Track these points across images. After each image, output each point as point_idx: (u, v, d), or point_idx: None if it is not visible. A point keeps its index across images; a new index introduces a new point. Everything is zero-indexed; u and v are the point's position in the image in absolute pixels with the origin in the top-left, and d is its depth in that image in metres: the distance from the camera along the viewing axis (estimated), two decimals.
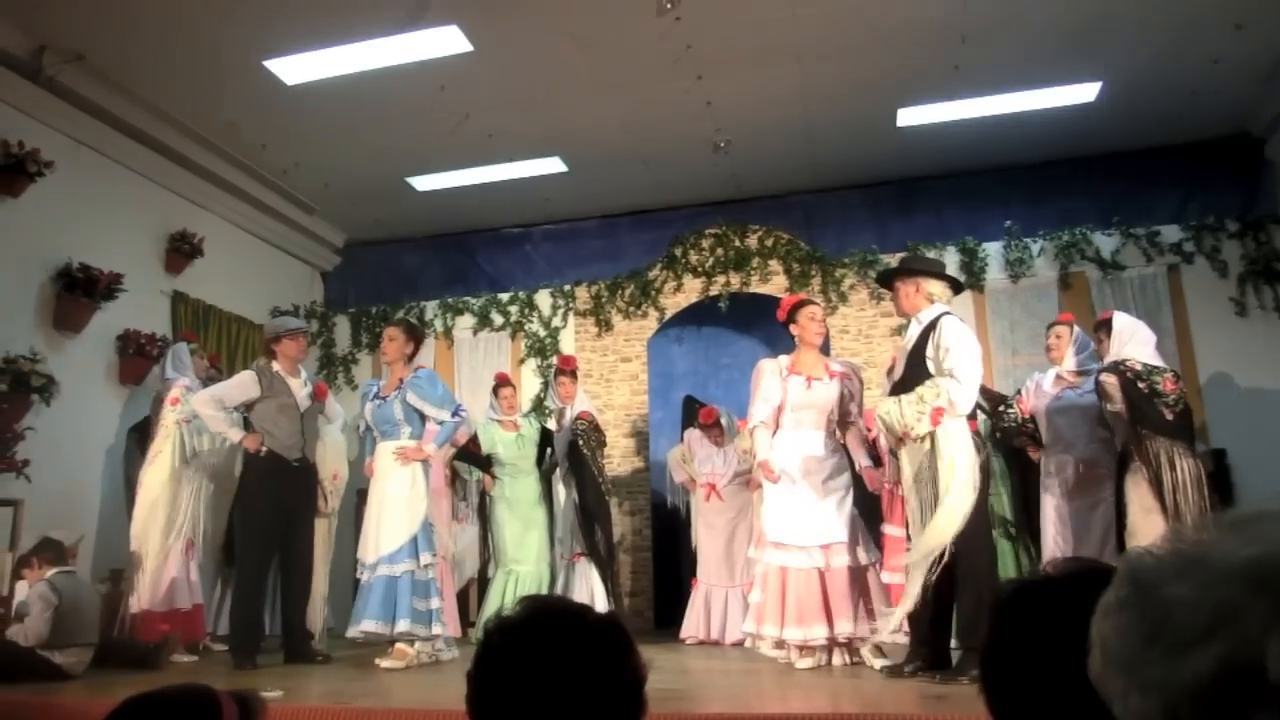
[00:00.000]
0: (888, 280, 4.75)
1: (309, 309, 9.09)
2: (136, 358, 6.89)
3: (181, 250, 7.46)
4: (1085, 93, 6.84)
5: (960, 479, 4.14)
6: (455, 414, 5.61)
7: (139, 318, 6.97)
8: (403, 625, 5.14)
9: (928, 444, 4.25)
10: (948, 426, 4.22)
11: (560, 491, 6.64)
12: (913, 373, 4.42)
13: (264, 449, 5.48)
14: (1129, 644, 0.74)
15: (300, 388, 5.74)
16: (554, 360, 7.74)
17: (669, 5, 5.68)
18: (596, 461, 6.47)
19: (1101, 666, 0.77)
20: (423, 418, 5.54)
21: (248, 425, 5.60)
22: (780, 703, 3.78)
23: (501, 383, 7.08)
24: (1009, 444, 5.73)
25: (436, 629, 5.28)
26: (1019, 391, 5.78)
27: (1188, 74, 6.63)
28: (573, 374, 6.72)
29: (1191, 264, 7.45)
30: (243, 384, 5.60)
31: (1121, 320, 5.18)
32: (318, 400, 5.91)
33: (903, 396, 4.36)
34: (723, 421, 6.95)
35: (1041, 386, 5.60)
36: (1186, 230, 7.49)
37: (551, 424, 6.98)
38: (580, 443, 6.39)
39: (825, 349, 5.65)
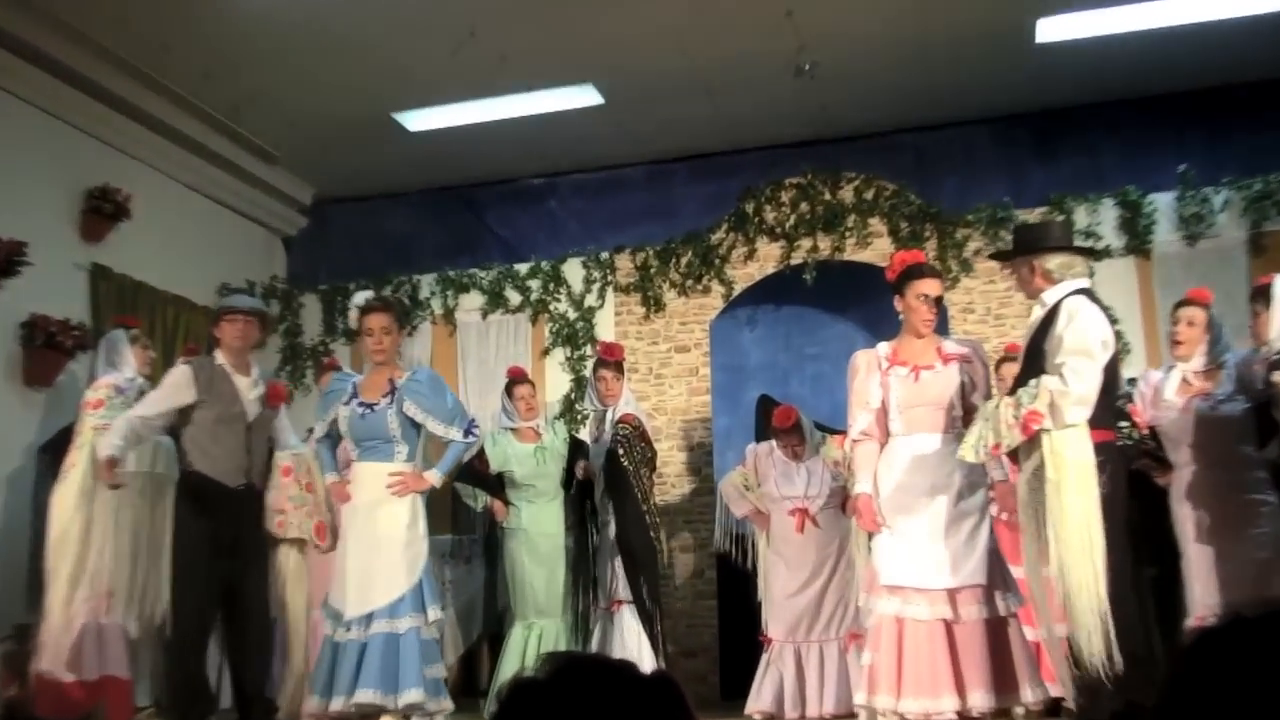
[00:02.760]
0: (1006, 260, 4.92)
1: (267, 285, 9.15)
2: (46, 351, 6.83)
3: (102, 211, 7.44)
4: None
5: (1072, 512, 4.16)
6: (468, 433, 5.67)
7: (48, 299, 6.93)
8: (412, 696, 5.18)
9: (1036, 460, 4.29)
10: (1058, 440, 4.23)
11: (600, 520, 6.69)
12: (1027, 373, 4.51)
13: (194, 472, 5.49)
14: None
15: (249, 389, 5.70)
16: (593, 349, 7.97)
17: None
18: (641, 480, 6.47)
19: None
20: (419, 433, 5.58)
21: (180, 450, 5.56)
22: None
23: (516, 379, 7.06)
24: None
25: (446, 702, 5.36)
26: (1130, 397, 5.65)
27: None
28: (618, 366, 6.80)
29: None
30: (175, 386, 5.53)
31: None
32: (271, 406, 5.86)
33: (1002, 399, 4.45)
34: (804, 424, 6.82)
35: (1162, 394, 5.56)
36: None
37: (586, 433, 7.05)
38: (621, 453, 6.38)
39: (943, 332, 5.63)
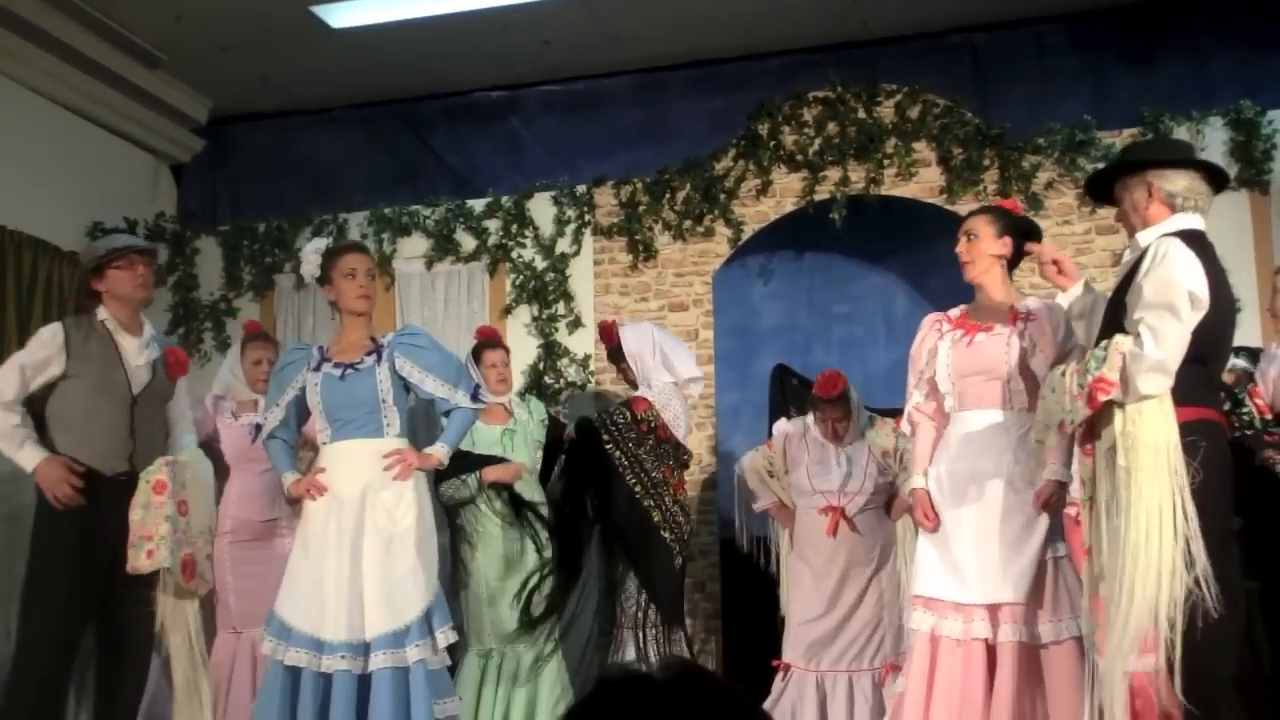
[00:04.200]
0: (1105, 187, 4.59)
1: (152, 225, 8.96)
2: None
3: None
4: None
5: (1150, 503, 3.95)
6: (475, 397, 5.41)
7: None
8: None
9: (1109, 443, 4.12)
10: (1131, 416, 4.04)
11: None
12: (1107, 333, 4.33)
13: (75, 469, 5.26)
14: None
15: (138, 353, 5.51)
16: (566, 307, 8.08)
17: None
18: (639, 466, 6.30)
19: None
20: (408, 400, 5.40)
21: (41, 427, 5.34)
22: None
23: (487, 342, 6.79)
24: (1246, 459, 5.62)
25: None
26: (1251, 376, 5.76)
27: None
28: (614, 353, 6.70)
29: None
30: (41, 347, 5.37)
31: None
32: (171, 376, 5.66)
33: (1070, 365, 4.30)
34: (852, 397, 6.58)
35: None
36: None
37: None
38: (605, 438, 6.26)
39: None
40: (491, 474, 6.42)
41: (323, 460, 5.30)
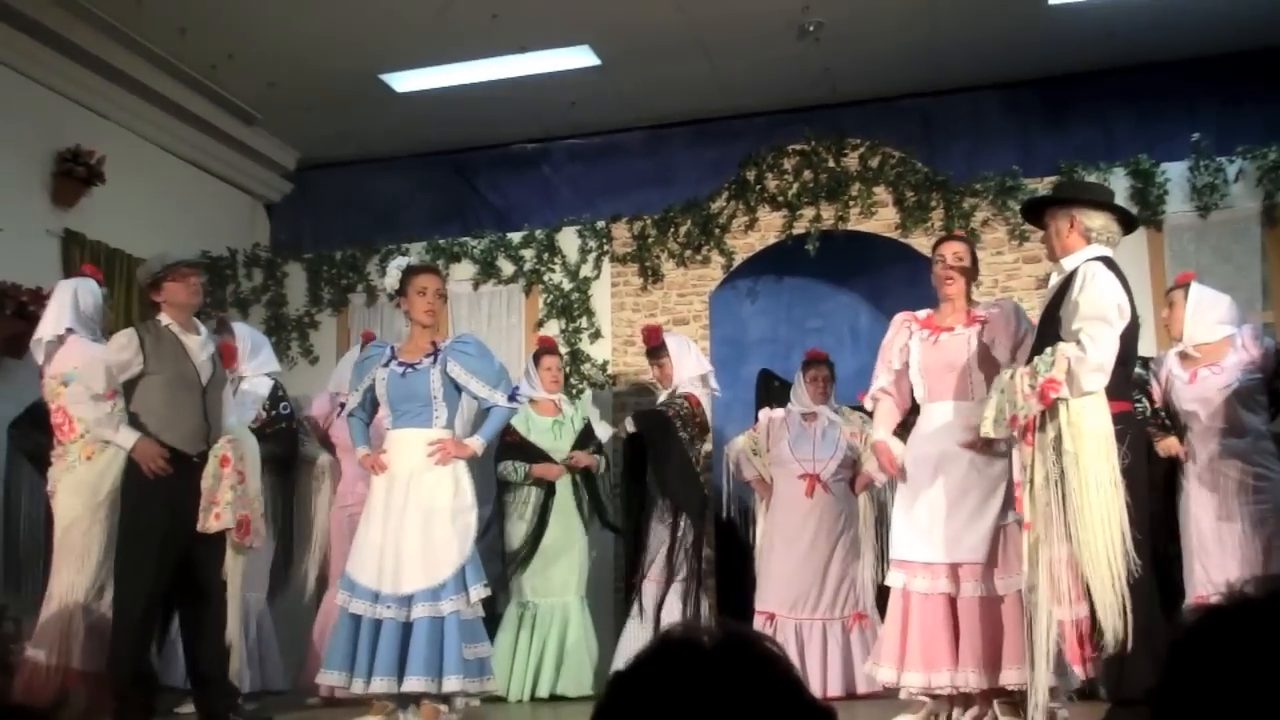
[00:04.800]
0: (1036, 213, 5.00)
1: (250, 253, 9.31)
2: (16, 320, 6.90)
3: (74, 174, 7.59)
4: None
5: (1094, 479, 4.34)
6: (512, 398, 5.78)
7: (17, 267, 7.05)
8: (453, 683, 5.33)
9: (1053, 433, 4.44)
10: (1075, 409, 4.42)
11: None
12: (1043, 340, 4.67)
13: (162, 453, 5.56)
14: None
15: (200, 349, 5.83)
16: (589, 322, 8.52)
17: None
18: (693, 446, 6.87)
19: None
20: (459, 397, 5.73)
21: (130, 417, 5.61)
22: None
23: (546, 349, 7.44)
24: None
25: (489, 682, 5.57)
26: (1146, 372, 6.15)
27: None
28: (655, 351, 7.23)
29: None
30: (121, 350, 5.63)
31: None
32: (226, 366, 6.07)
33: (1019, 368, 4.60)
34: (833, 365, 7.25)
35: (1172, 372, 6.06)
36: None
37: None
38: (678, 425, 6.81)
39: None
40: (539, 470, 7.03)
41: (386, 443, 5.66)
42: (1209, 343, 5.99)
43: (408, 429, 5.60)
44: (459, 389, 5.67)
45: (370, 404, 5.77)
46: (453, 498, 5.52)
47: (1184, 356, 6.03)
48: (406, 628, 5.37)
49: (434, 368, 5.59)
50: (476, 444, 5.63)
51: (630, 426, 7.10)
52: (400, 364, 5.64)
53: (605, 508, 7.31)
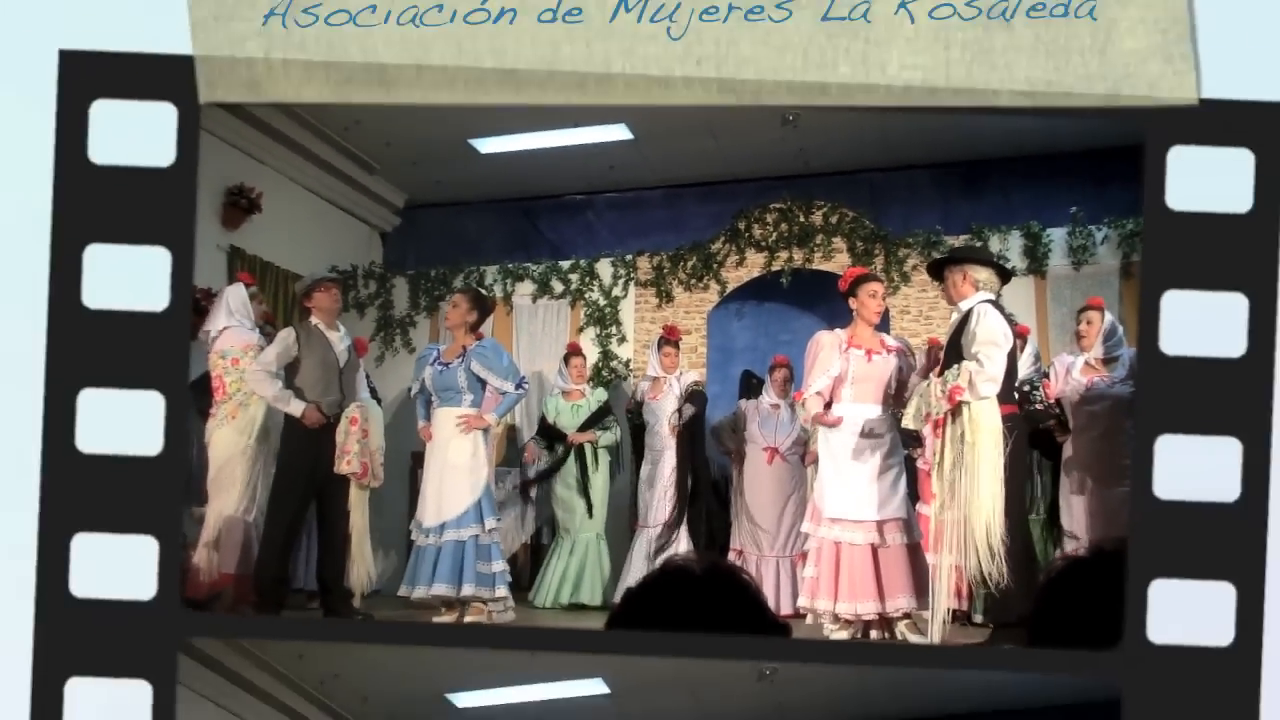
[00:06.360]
0: (937, 270, 5.84)
1: (367, 270, 9.99)
2: (194, 314, 6.08)
3: (239, 205, 8.31)
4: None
5: (987, 463, 5.02)
6: (519, 386, 6.64)
7: (196, 273, 6.99)
8: (468, 590, 6.21)
9: (959, 429, 5.16)
10: (974, 410, 5.14)
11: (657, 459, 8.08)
12: (949, 362, 5.44)
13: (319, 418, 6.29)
14: None
15: (339, 341, 6.64)
16: (618, 330, 9.46)
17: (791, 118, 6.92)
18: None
19: None
20: (484, 386, 6.59)
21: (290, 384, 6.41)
22: None
23: (573, 352, 8.62)
24: (1034, 427, 6.61)
25: (500, 591, 6.45)
26: (1046, 374, 6.85)
27: None
28: (676, 345, 8.27)
29: None
30: (285, 344, 6.44)
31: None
32: (360, 354, 6.94)
33: (933, 379, 5.43)
34: (791, 367, 8.02)
35: (1071, 373, 6.67)
36: None
37: (638, 388, 8.47)
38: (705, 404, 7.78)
39: (885, 328, 6.80)
40: (577, 438, 8.16)
41: (434, 418, 6.52)
42: (1111, 358, 6.58)
43: (445, 408, 6.55)
44: (481, 381, 6.53)
45: (428, 390, 6.70)
46: (470, 457, 6.44)
47: (1087, 365, 6.57)
48: (439, 551, 6.27)
49: (461, 366, 6.47)
50: (490, 419, 6.57)
51: (690, 409, 7.96)
52: (440, 364, 6.57)
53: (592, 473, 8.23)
